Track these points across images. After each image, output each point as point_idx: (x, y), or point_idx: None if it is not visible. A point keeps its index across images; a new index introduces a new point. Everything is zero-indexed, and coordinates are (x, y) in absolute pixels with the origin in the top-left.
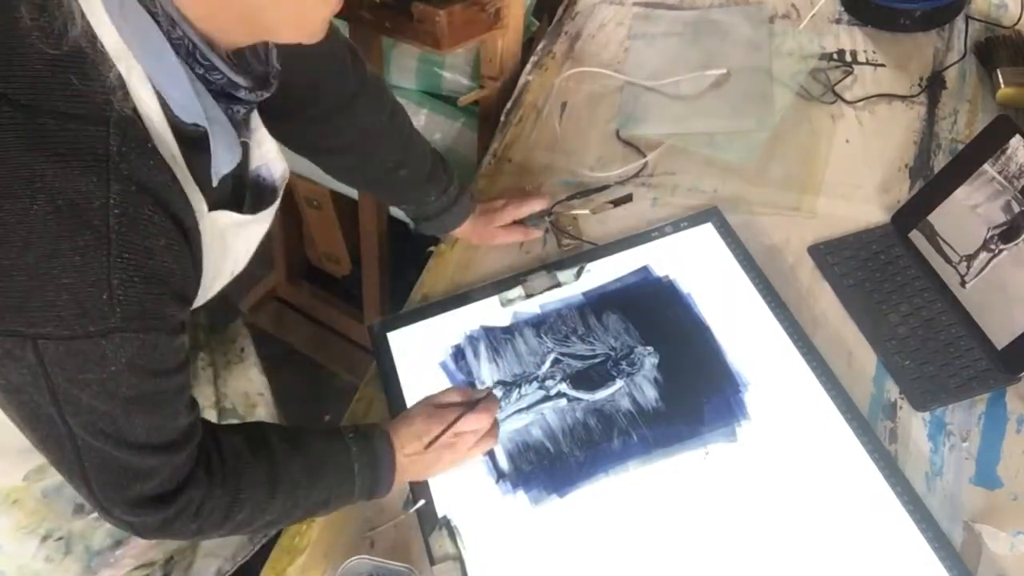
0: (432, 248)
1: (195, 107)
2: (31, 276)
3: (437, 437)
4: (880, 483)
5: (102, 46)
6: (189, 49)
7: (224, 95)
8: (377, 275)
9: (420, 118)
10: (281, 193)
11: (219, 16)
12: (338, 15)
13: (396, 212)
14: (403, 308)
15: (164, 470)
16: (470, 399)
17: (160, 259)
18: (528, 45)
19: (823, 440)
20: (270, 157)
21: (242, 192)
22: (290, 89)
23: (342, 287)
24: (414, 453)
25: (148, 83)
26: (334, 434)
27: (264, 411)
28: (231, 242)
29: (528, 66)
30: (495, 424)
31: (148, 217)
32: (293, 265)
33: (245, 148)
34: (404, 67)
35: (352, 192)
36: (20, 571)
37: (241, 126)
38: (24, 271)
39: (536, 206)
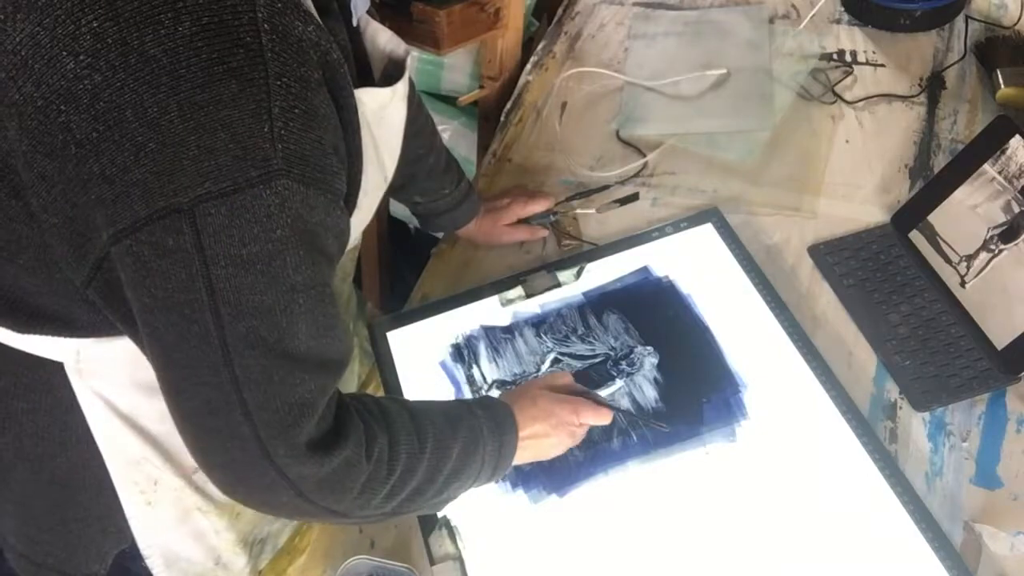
0: (433, 248)
1: None
2: (184, 116)
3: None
4: (880, 483)
5: None
6: None
7: None
8: (377, 275)
9: None
10: (408, 69)
11: None
12: None
13: (396, 212)
14: (403, 308)
15: (323, 399)
16: (580, 389)
17: (316, 95)
18: (528, 45)
19: (823, 440)
20: (394, 43)
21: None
22: None
23: None
24: (531, 436)
25: None
26: (457, 403)
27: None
28: (377, 134)
29: (528, 66)
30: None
31: (298, 38)
32: None
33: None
34: None
35: None
36: None
37: None
38: (176, 112)
39: (540, 206)
